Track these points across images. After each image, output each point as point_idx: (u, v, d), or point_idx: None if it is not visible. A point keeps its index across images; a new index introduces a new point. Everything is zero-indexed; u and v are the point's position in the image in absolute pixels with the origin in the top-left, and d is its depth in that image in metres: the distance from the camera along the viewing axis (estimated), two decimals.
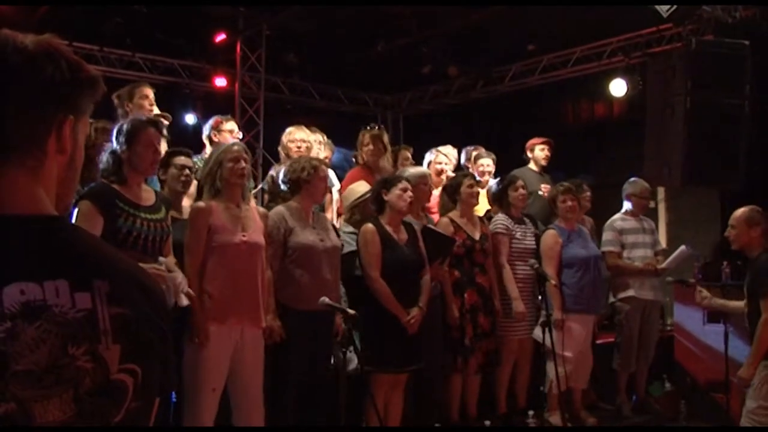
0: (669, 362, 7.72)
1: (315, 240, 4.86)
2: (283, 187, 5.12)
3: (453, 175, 6.94)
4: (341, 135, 7.41)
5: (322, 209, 6.07)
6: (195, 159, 6.00)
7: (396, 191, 5.30)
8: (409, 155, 6.81)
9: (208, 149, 6.41)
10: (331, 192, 6.43)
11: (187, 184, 4.96)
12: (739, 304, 5.29)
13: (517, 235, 6.39)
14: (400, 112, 12.88)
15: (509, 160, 7.87)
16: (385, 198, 5.32)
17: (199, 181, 4.77)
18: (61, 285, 1.10)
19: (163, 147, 5.99)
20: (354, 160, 6.81)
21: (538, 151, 7.78)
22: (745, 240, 5.08)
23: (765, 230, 5.06)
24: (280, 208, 4.98)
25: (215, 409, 4.32)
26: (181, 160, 4.94)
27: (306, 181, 4.92)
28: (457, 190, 6.15)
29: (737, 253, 5.43)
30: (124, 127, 4.02)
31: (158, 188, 4.71)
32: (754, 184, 7.52)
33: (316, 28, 9.70)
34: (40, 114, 1.19)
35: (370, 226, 5.27)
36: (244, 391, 4.41)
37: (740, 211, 5.15)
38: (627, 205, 7.11)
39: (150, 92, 5.84)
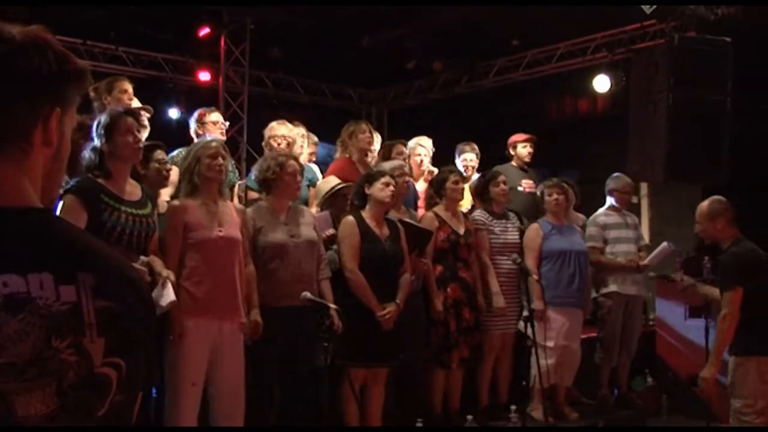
0: (651, 357, 7.77)
1: (284, 237, 4.84)
2: (255, 185, 5.12)
3: (432, 168, 6.96)
4: (325, 130, 7.40)
5: (306, 204, 6.06)
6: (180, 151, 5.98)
7: (378, 185, 5.30)
8: (404, 150, 6.79)
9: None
10: (315, 187, 6.42)
11: (167, 178, 4.94)
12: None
13: (496, 230, 6.40)
14: (384, 107, 12.87)
15: (493, 156, 7.88)
16: (368, 192, 5.31)
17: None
18: (45, 278, 1.10)
19: (144, 136, 6.01)
20: (339, 151, 6.75)
21: (521, 149, 7.75)
22: (711, 233, 5.13)
23: (729, 219, 5.05)
24: (249, 209, 4.99)
25: (197, 404, 4.32)
26: (160, 154, 4.90)
27: (273, 179, 4.91)
28: (443, 185, 6.16)
29: (716, 248, 5.46)
30: (102, 120, 4.05)
31: None
32: (736, 179, 7.59)
33: (300, 22, 9.68)
34: (26, 106, 1.18)
35: (350, 218, 5.27)
36: (223, 386, 4.41)
37: (702, 205, 5.18)
38: (610, 201, 7.14)
39: (129, 87, 5.84)
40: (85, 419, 1.10)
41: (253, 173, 5.13)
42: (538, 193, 6.87)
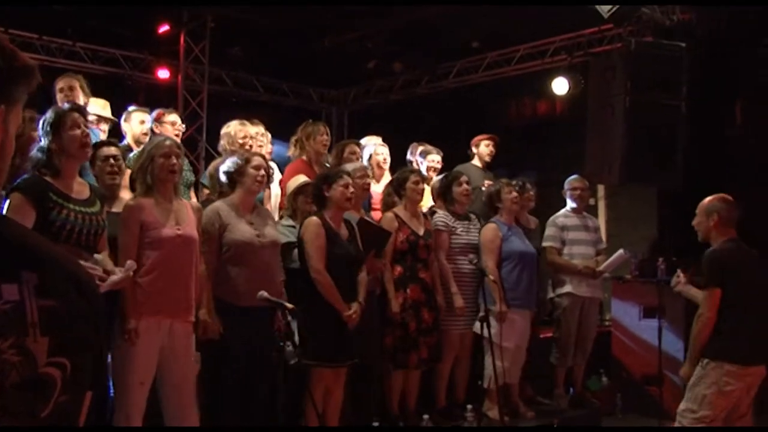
0: (606, 357, 7.86)
1: (251, 235, 4.83)
2: (223, 179, 5.09)
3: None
4: (285, 129, 7.37)
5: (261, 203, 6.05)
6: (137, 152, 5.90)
7: (339, 187, 5.28)
8: (357, 150, 6.80)
9: (127, 139, 6.33)
10: (269, 187, 6.39)
11: (115, 175, 4.83)
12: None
13: (459, 230, 6.43)
14: (345, 107, 12.88)
15: (452, 156, 7.92)
16: (327, 194, 5.29)
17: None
18: None
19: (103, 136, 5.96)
20: (292, 149, 6.75)
21: (483, 147, 7.83)
22: (705, 228, 4.94)
23: (725, 218, 4.89)
24: (216, 204, 4.97)
25: (144, 402, 4.28)
26: (106, 150, 4.78)
27: (239, 174, 4.92)
28: (403, 185, 6.17)
29: (673, 249, 5.48)
30: (47, 117, 4.00)
31: (94, 183, 4.61)
32: (690, 182, 7.71)
33: (261, 21, 9.63)
34: None
35: (315, 219, 5.23)
36: (175, 386, 4.37)
37: (704, 200, 5.01)
38: (569, 202, 7.19)
39: (69, 83, 5.78)
40: (28, 420, 1.09)
41: (221, 170, 5.10)
42: (487, 191, 6.85)
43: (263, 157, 5.22)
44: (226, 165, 5.03)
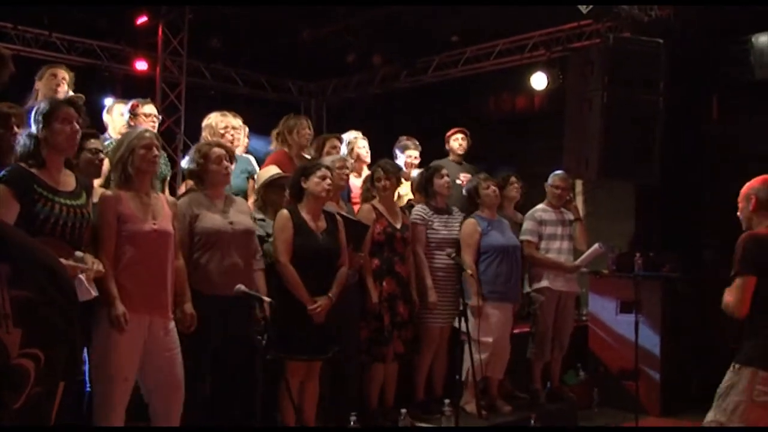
0: (583, 351, 7.92)
1: (222, 224, 4.78)
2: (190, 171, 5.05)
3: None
4: (264, 122, 7.35)
5: (245, 197, 6.04)
6: (110, 141, 5.87)
7: (315, 179, 5.26)
8: (338, 144, 6.79)
9: (110, 132, 6.31)
10: (253, 179, 6.38)
11: (100, 168, 4.80)
12: None
13: (435, 225, 6.43)
14: (323, 100, 12.86)
15: (431, 151, 7.93)
16: (304, 186, 5.28)
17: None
18: None
19: None
20: (274, 143, 6.74)
21: (452, 142, 7.91)
22: (746, 215, 4.31)
23: (762, 201, 4.23)
24: (185, 197, 4.92)
25: (126, 399, 4.24)
26: (93, 143, 4.74)
27: (203, 169, 4.87)
28: (374, 181, 6.20)
29: (650, 244, 5.48)
30: (41, 107, 3.94)
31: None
32: (668, 177, 7.77)
33: (240, 13, 9.59)
34: None
35: (284, 212, 5.22)
36: (157, 382, 4.32)
37: (744, 186, 4.37)
38: (548, 197, 7.21)
39: (60, 73, 5.74)
40: (0, 412, 1.08)
41: (186, 167, 5.07)
42: (467, 187, 6.87)
43: (220, 144, 5.15)
44: (186, 163, 4.97)
